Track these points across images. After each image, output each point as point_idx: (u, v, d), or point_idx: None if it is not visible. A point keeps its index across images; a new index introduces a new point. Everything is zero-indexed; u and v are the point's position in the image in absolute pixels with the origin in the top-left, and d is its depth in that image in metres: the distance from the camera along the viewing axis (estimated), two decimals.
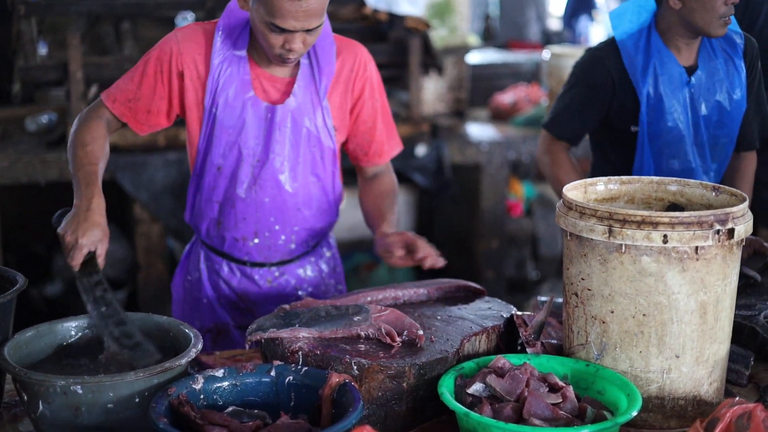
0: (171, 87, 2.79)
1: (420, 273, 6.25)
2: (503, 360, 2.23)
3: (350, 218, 4.26)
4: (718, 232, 2.16)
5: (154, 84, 2.79)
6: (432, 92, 6.24)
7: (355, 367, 2.21)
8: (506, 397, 2.12)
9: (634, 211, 2.17)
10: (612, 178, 2.51)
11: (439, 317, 2.52)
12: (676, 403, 2.25)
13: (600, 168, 3.37)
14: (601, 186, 2.49)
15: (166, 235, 5.42)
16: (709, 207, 2.40)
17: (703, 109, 3.18)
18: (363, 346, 2.31)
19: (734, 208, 2.19)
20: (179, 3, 5.75)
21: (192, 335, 2.28)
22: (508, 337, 2.53)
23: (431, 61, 5.59)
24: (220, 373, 2.17)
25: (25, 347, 2.26)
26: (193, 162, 2.92)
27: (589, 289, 2.26)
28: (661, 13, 3.15)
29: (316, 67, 2.83)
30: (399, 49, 5.43)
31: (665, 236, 2.14)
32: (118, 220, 6.11)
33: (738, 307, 2.61)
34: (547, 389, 2.16)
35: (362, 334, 2.36)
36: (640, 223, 2.15)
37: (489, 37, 9.36)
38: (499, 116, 6.48)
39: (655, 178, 2.50)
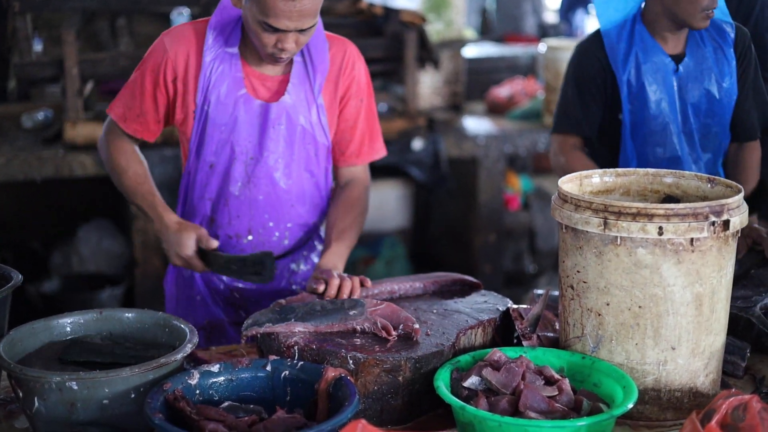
0: (169, 94, 2.82)
1: (417, 268, 6.26)
2: (499, 353, 2.22)
3: None
4: (713, 223, 2.15)
5: (154, 96, 2.82)
6: (428, 86, 6.24)
7: (351, 362, 2.21)
8: (502, 390, 2.12)
9: (630, 203, 2.17)
10: (607, 170, 2.51)
11: (435, 311, 2.52)
12: (672, 395, 2.25)
13: (593, 159, 3.37)
14: (597, 178, 2.49)
15: None
16: (704, 199, 2.40)
17: (691, 97, 3.18)
18: (359, 340, 2.31)
19: (729, 200, 2.19)
20: None
21: (188, 330, 2.28)
22: (504, 331, 2.53)
23: (427, 55, 5.58)
24: (215, 368, 2.17)
25: (21, 344, 2.26)
26: (186, 159, 2.92)
27: (584, 282, 2.26)
28: (647, 3, 3.17)
29: (310, 64, 2.83)
30: (395, 44, 5.42)
31: (660, 228, 2.14)
32: (114, 216, 6.11)
33: (734, 298, 2.61)
34: (543, 382, 2.16)
35: (358, 328, 2.36)
36: (636, 215, 2.15)
37: (485, 31, 9.34)
38: (496, 110, 6.47)
39: (651, 171, 2.50)
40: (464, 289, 2.73)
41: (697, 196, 2.43)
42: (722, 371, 2.39)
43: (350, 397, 2.02)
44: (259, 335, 2.36)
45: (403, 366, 2.22)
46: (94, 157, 5.03)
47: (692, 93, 3.18)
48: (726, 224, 2.17)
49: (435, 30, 6.39)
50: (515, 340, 2.50)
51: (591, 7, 9.70)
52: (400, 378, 2.23)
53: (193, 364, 2.39)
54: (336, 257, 2.80)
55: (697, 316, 2.22)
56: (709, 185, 2.41)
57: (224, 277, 2.98)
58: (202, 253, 2.77)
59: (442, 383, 2.15)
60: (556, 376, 2.17)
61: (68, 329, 2.37)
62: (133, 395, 2.09)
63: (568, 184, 2.42)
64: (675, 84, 3.17)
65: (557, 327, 2.48)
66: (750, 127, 3.30)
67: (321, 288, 2.60)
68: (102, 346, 2.32)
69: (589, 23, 9.29)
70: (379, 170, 5.76)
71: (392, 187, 6.49)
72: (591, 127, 3.32)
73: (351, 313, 2.41)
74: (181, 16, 6.38)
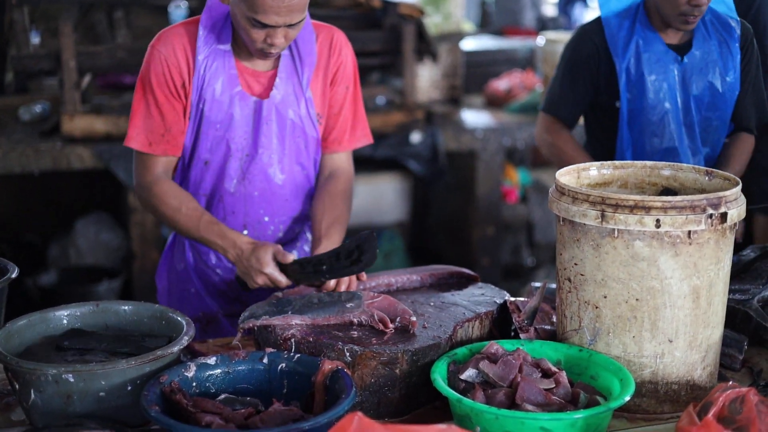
0: (182, 99, 2.78)
1: (415, 261, 6.26)
2: (496, 346, 2.22)
3: None
4: (710, 216, 2.15)
5: (172, 107, 2.77)
6: (426, 79, 6.23)
7: (348, 354, 2.21)
8: (499, 383, 2.12)
9: (627, 195, 2.17)
10: (605, 162, 2.50)
11: (432, 303, 2.51)
12: (670, 387, 2.25)
13: (591, 149, 3.38)
14: (594, 171, 2.49)
15: (161, 224, 5.41)
16: (702, 191, 2.40)
17: (695, 89, 3.19)
18: (356, 332, 2.31)
19: (727, 192, 2.19)
20: None
21: (184, 323, 2.28)
22: (501, 323, 2.52)
23: (426, 47, 5.57)
24: (212, 360, 2.17)
25: (17, 336, 2.26)
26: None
27: (581, 275, 2.26)
28: None
29: (298, 58, 2.82)
30: (393, 36, 5.41)
31: (658, 221, 2.13)
32: (112, 209, 6.11)
33: (731, 291, 2.61)
34: (540, 375, 2.16)
35: (355, 320, 2.36)
36: (633, 208, 2.15)
37: (484, 24, 9.34)
38: (494, 103, 6.47)
39: (648, 163, 2.50)
40: (461, 282, 2.72)
41: (695, 188, 2.42)
42: (719, 364, 2.39)
43: (347, 389, 2.02)
44: (256, 328, 2.36)
45: (400, 358, 2.22)
46: (92, 150, 5.03)
47: (696, 85, 3.19)
48: (723, 217, 2.17)
49: (433, 23, 6.37)
50: (512, 333, 2.50)
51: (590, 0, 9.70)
52: (397, 371, 2.22)
53: (190, 357, 2.39)
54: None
55: (695, 308, 2.21)
56: (706, 178, 2.41)
57: (219, 270, 2.97)
58: (281, 267, 2.66)
59: (439, 376, 2.14)
60: (554, 368, 2.17)
61: (65, 322, 2.37)
62: (129, 387, 2.09)
63: (566, 176, 2.41)
64: (677, 75, 3.18)
65: (554, 320, 2.48)
66: (746, 120, 3.31)
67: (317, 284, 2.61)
68: (100, 335, 2.32)
69: (587, 16, 9.28)
70: (377, 163, 5.77)
71: (390, 180, 6.49)
72: (572, 110, 3.34)
73: (348, 305, 2.41)
74: (178, 8, 6.36)
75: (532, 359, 2.20)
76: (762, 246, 2.91)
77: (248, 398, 2.11)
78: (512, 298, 2.54)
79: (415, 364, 2.24)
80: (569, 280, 2.29)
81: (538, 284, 2.69)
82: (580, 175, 2.46)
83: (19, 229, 6.18)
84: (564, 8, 9.66)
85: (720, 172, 2.39)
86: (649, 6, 3.18)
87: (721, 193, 2.18)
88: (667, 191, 2.45)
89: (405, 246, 6.44)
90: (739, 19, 3.24)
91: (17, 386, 2.11)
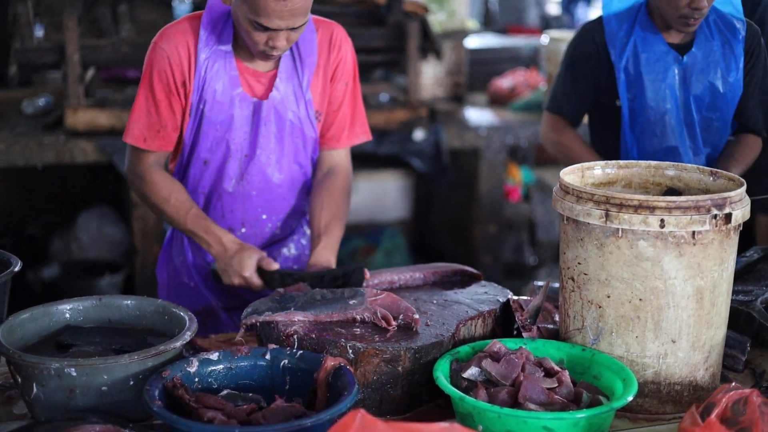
0: (181, 98, 2.78)
1: (417, 258, 6.26)
2: (499, 344, 2.22)
3: None
4: (715, 216, 2.15)
5: (170, 105, 2.78)
6: (430, 77, 6.22)
7: (351, 351, 2.21)
8: (502, 382, 2.12)
9: (632, 195, 2.17)
10: (609, 162, 2.50)
11: (435, 301, 2.51)
12: (672, 388, 2.25)
13: (595, 148, 3.38)
14: (599, 170, 2.48)
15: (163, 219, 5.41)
16: (706, 192, 2.39)
17: (695, 89, 3.18)
18: (358, 329, 2.31)
19: (731, 193, 2.18)
20: None
21: (187, 318, 2.28)
22: (504, 322, 2.52)
23: (429, 45, 5.56)
24: (214, 356, 2.16)
25: (20, 330, 2.26)
26: (176, 153, 2.91)
27: (585, 274, 2.25)
28: None
29: (298, 59, 2.82)
30: (397, 34, 5.41)
31: (662, 221, 2.13)
32: (115, 203, 6.11)
33: (735, 292, 2.60)
34: (543, 374, 2.15)
35: (358, 317, 2.35)
36: (637, 208, 2.14)
37: (488, 22, 9.33)
38: (498, 101, 6.46)
39: (653, 163, 2.49)
40: (464, 280, 2.72)
41: (699, 189, 2.42)
42: (722, 365, 2.39)
43: (349, 386, 2.02)
44: (258, 324, 2.35)
45: (403, 356, 2.22)
46: (96, 144, 5.03)
47: (696, 85, 3.19)
48: (728, 217, 2.16)
49: (437, 20, 6.37)
50: (515, 332, 2.50)
51: None
52: (400, 368, 2.22)
53: (192, 352, 2.39)
54: (327, 252, 2.80)
55: (698, 309, 2.21)
56: (711, 178, 2.41)
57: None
58: (261, 272, 2.73)
59: (441, 374, 2.14)
60: (556, 368, 2.17)
61: (67, 316, 2.37)
62: (132, 382, 2.09)
63: (570, 175, 2.41)
64: (677, 74, 3.17)
65: (557, 319, 2.48)
66: (753, 122, 3.29)
67: None
68: (101, 331, 2.32)
69: (591, 15, 9.27)
70: (380, 160, 5.77)
71: (393, 177, 6.49)
72: (576, 108, 3.35)
73: (351, 302, 2.41)
74: (182, 3, 6.36)
75: (535, 358, 2.20)
76: (765, 247, 2.91)
77: (250, 394, 2.11)
78: (515, 297, 2.54)
79: (418, 361, 2.24)
80: (572, 280, 2.29)
81: (540, 283, 2.69)
82: (584, 174, 2.46)
83: (22, 223, 6.18)
84: (567, 7, 9.65)
85: (725, 172, 2.38)
86: (652, 6, 3.18)
87: (725, 194, 2.17)
88: (672, 191, 2.45)
89: (407, 244, 6.43)
90: (745, 19, 3.23)
91: (20, 380, 2.11)
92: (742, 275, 2.74)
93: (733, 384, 2.07)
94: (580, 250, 2.25)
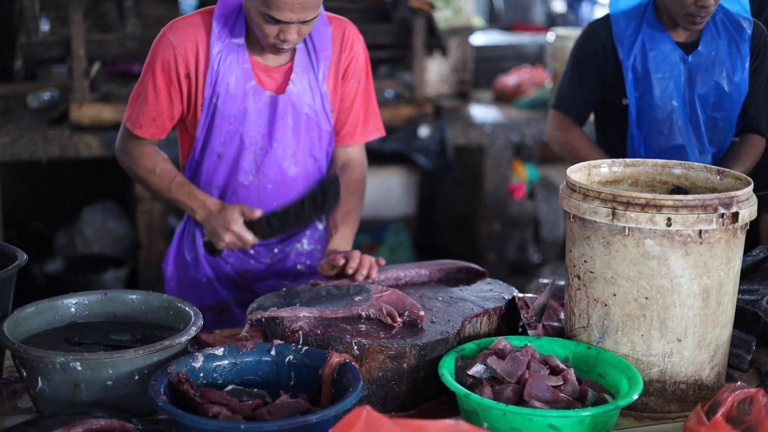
0: (182, 90, 2.78)
1: (421, 255, 6.25)
2: (504, 342, 2.22)
3: None
4: (722, 215, 2.14)
5: (169, 94, 2.78)
6: (436, 73, 6.22)
7: (356, 347, 2.20)
8: (507, 379, 2.11)
9: (638, 193, 2.16)
10: (616, 160, 2.50)
11: (440, 298, 2.51)
12: (678, 387, 2.25)
13: (601, 146, 3.38)
14: (605, 168, 2.48)
15: (168, 214, 5.41)
16: (713, 190, 2.39)
17: (700, 88, 3.18)
18: (364, 326, 2.31)
19: (738, 192, 2.18)
20: None
21: (192, 313, 2.28)
22: (509, 319, 2.52)
23: (435, 42, 5.56)
24: (219, 351, 2.16)
25: (25, 323, 2.26)
26: (188, 147, 2.91)
27: (591, 272, 2.25)
28: None
29: (313, 53, 2.82)
30: (403, 30, 5.40)
31: (669, 219, 2.13)
32: (119, 197, 6.11)
33: (741, 291, 2.60)
34: (548, 372, 2.15)
35: (363, 314, 2.35)
36: (644, 206, 2.14)
37: (493, 19, 9.31)
38: (503, 98, 6.45)
39: (660, 161, 2.49)
40: (470, 277, 2.72)
41: (706, 187, 2.41)
42: (728, 364, 2.39)
43: (354, 383, 2.02)
44: (263, 319, 2.35)
45: (408, 353, 2.22)
46: (100, 138, 5.02)
47: (701, 84, 3.18)
48: (735, 216, 2.16)
49: (443, 17, 6.36)
50: (520, 329, 2.49)
51: None
52: (405, 365, 2.22)
53: (197, 347, 2.39)
54: (344, 242, 2.83)
55: (704, 308, 2.21)
56: (718, 177, 2.40)
57: (231, 260, 2.98)
58: (249, 225, 2.75)
59: (446, 371, 2.14)
60: (561, 365, 2.16)
61: (73, 310, 2.37)
62: (137, 377, 2.09)
63: (577, 173, 2.41)
64: (683, 73, 3.17)
65: (563, 317, 2.48)
66: (758, 122, 3.29)
67: (341, 262, 2.62)
68: (107, 326, 2.32)
69: (596, 12, 9.26)
70: (384, 157, 5.75)
71: (398, 174, 6.48)
72: (582, 106, 3.35)
73: (356, 298, 2.41)
74: None
75: (540, 356, 2.20)
76: None
77: (255, 390, 2.11)
78: (520, 294, 2.54)
79: (423, 358, 2.24)
80: (578, 278, 2.29)
81: (545, 280, 2.68)
82: (591, 172, 2.46)
83: (27, 217, 6.18)
84: (571, 5, 9.64)
85: (731, 171, 2.38)
86: (659, 4, 3.18)
87: (732, 193, 2.17)
88: (678, 190, 2.44)
89: (411, 240, 6.43)
90: (752, 19, 3.23)
91: (25, 374, 2.11)
92: (747, 274, 2.73)
93: (739, 383, 2.07)
94: (587, 248, 2.25)
